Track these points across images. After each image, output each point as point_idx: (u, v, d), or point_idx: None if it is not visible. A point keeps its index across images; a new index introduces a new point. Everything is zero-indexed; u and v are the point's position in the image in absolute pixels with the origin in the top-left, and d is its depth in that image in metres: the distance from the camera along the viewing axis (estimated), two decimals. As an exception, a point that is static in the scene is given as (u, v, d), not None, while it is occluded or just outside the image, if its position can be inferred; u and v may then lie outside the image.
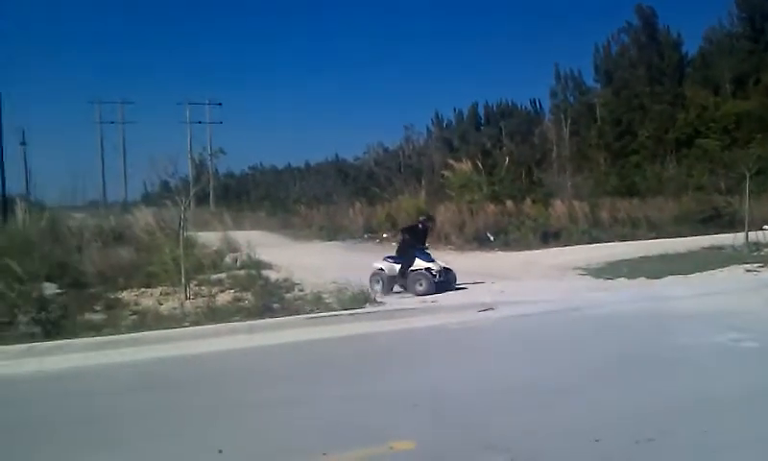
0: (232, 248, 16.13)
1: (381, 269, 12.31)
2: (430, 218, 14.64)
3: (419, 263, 12.04)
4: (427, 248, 12.72)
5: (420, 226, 13.19)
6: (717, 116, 37.86)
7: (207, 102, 51.45)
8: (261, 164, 64.77)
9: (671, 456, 4.20)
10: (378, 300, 10.55)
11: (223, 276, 12.45)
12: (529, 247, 19.50)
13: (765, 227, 17.93)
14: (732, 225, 19.51)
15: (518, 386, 5.99)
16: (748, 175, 16.51)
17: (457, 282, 12.31)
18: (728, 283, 11.64)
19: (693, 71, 46.03)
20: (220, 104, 52.19)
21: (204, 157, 47.79)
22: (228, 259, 14.46)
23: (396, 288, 12.03)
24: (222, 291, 11.03)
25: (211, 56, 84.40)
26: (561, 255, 16.87)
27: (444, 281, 12.00)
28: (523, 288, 11.86)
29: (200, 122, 51.28)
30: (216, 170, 49.97)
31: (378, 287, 11.89)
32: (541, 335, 8.46)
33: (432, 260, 12.19)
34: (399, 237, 13.57)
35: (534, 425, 4.84)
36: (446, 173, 28.48)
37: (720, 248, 16.26)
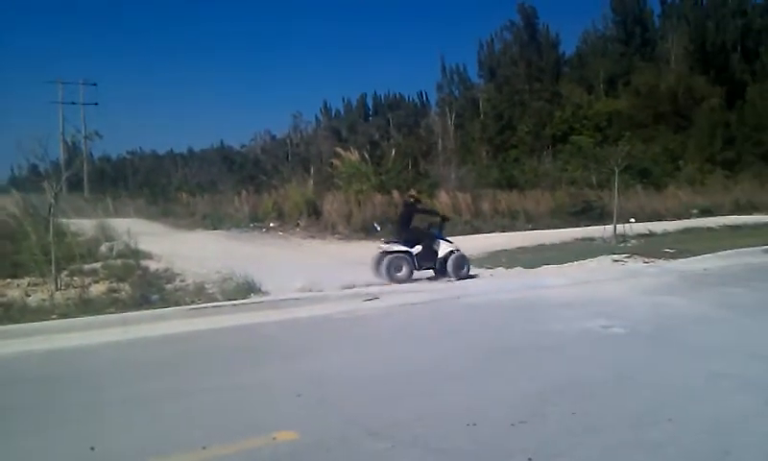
0: (109, 236, 15.39)
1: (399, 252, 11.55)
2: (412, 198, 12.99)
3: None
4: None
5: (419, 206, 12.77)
6: (590, 114, 40.16)
7: (81, 81, 48.71)
8: (141, 149, 62.44)
9: (541, 437, 4.39)
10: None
11: (98, 266, 11.84)
12: (414, 237, 19.84)
13: (632, 220, 19.18)
14: (602, 217, 20.71)
15: (402, 374, 6.08)
16: (617, 170, 17.56)
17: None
18: (598, 273, 12.34)
19: (570, 70, 48.59)
20: (95, 84, 49.67)
21: (77, 140, 45.29)
22: (103, 249, 13.78)
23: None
24: (96, 282, 10.49)
25: (85, 33, 79.90)
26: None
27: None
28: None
29: (73, 103, 48.44)
30: (91, 154, 47.58)
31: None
32: (424, 323, 8.64)
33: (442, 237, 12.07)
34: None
35: (416, 412, 4.93)
36: (336, 162, 28.47)
37: (591, 239, 17.22)
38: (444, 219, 13.18)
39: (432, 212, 13.82)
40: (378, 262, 11.46)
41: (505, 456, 4.12)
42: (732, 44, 43.37)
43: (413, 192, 14.08)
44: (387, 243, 11.82)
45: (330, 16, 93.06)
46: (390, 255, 11.42)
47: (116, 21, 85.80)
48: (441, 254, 11.84)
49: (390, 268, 11.29)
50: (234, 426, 4.71)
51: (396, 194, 24.16)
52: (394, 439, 4.40)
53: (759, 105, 37.32)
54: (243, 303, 9.24)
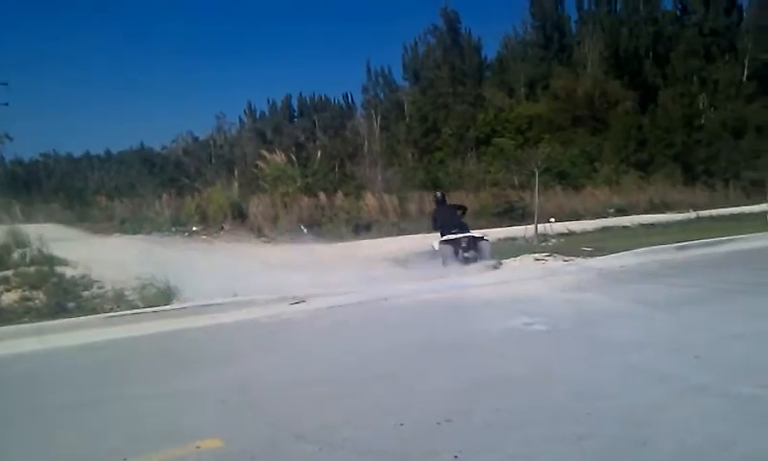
0: (21, 243, 14.67)
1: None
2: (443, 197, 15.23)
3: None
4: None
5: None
6: (512, 117, 41.07)
7: (-10, 80, 46.23)
8: (55, 151, 59.65)
9: (467, 435, 4.46)
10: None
11: (9, 274, 11.27)
12: (342, 239, 19.82)
13: (552, 219, 19.74)
14: (524, 218, 21.25)
15: (329, 377, 6.05)
16: (537, 172, 18.06)
17: None
18: (520, 272, 12.63)
19: (492, 74, 49.59)
20: (6, 83, 47.12)
21: (-15, 143, 43.05)
22: (15, 255, 13.12)
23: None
24: (8, 290, 9.99)
25: (-5, 30, 76.18)
26: (372, 248, 17.33)
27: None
28: (339, 279, 11.98)
29: (-20, 102, 45.92)
30: (1, 157, 45.33)
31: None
32: (351, 325, 8.64)
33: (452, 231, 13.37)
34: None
35: (343, 414, 4.92)
36: (261, 164, 28.13)
37: (513, 239, 17.62)
38: (465, 209, 15.06)
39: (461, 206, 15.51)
40: (450, 252, 12.96)
41: (432, 454, 4.16)
42: (644, 50, 45.23)
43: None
44: (447, 235, 13.30)
45: (254, 17, 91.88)
46: (459, 244, 13.00)
47: (28, 18, 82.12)
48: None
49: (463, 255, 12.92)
50: (157, 436, 4.59)
51: (322, 196, 24.10)
52: (321, 442, 4.38)
53: (670, 108, 39.07)
54: (164, 310, 9.00)
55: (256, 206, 22.92)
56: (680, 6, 48.56)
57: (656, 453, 4.15)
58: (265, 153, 28.91)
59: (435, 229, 14.06)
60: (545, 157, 19.31)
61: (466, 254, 12.97)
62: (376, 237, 20.18)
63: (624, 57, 44.19)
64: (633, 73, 43.78)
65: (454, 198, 26.39)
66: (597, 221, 23.25)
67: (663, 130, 37.95)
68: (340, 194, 24.80)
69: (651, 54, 45.41)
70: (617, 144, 37.31)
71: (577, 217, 24.53)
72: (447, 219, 13.86)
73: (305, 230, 20.91)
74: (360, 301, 10.04)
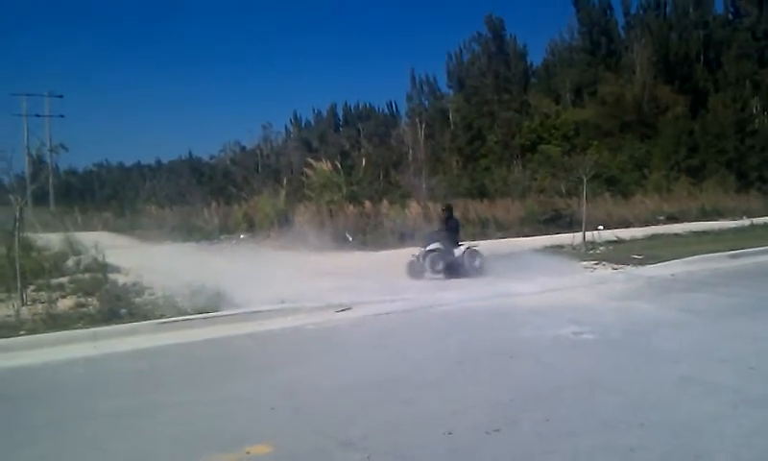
0: (76, 250, 15.13)
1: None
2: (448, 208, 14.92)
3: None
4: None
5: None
6: (558, 124, 40.66)
7: (46, 93, 47.79)
8: (107, 161, 61.50)
9: (516, 445, 4.42)
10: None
11: (65, 280, 11.63)
12: (386, 247, 19.85)
13: (600, 227, 19.42)
14: (571, 225, 20.93)
15: (376, 383, 6.06)
16: (585, 179, 17.79)
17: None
18: (567, 280, 12.44)
19: (538, 81, 49.19)
20: (61, 96, 48.68)
21: (42, 153, 44.46)
22: (70, 263, 13.55)
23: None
24: (63, 296, 10.31)
25: (50, 46, 78.70)
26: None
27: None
28: (385, 287, 11.99)
29: (38, 115, 47.49)
30: (57, 167, 46.81)
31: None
32: (397, 333, 8.62)
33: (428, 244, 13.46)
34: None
35: (390, 422, 4.93)
36: (309, 172, 28.42)
37: (561, 247, 17.37)
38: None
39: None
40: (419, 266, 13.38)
41: (480, 464, 4.13)
42: (695, 54, 44.31)
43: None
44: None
45: (300, 28, 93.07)
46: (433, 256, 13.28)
47: (82, 33, 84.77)
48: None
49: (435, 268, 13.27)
50: (207, 441, 4.66)
51: (367, 204, 24.20)
52: (368, 449, 4.39)
53: (722, 113, 38.12)
54: (214, 316, 9.12)
55: (302, 215, 23.13)
56: (732, 9, 47.52)
57: (712, 467, 4.04)
58: (312, 161, 29.17)
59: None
60: (593, 164, 18.97)
61: (437, 268, 13.17)
62: (421, 246, 20.12)
63: (674, 61, 43.33)
64: (683, 78, 42.91)
65: (500, 205, 26.33)
66: (647, 229, 22.76)
67: (715, 135, 37.05)
68: (385, 202, 24.86)
69: (702, 58, 44.45)
70: (667, 150, 36.58)
71: (626, 224, 24.09)
72: (438, 232, 14.05)
73: (350, 239, 21.00)
74: (406, 308, 10.02)
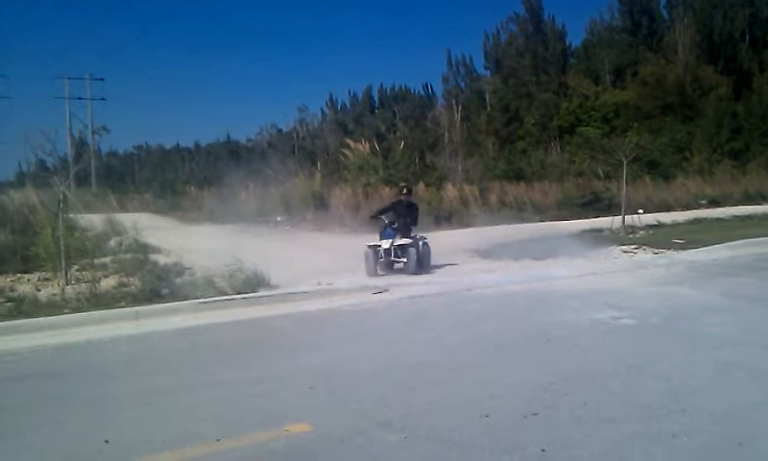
0: (117, 231, 15.44)
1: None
2: (407, 189, 13.22)
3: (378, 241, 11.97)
4: (393, 224, 12.18)
5: (404, 200, 12.65)
6: (597, 105, 39.99)
7: (88, 77, 48.78)
8: (147, 144, 62.40)
9: (554, 429, 4.40)
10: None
11: (107, 260, 11.89)
12: (422, 229, 19.82)
13: (640, 211, 19.11)
14: (609, 209, 20.66)
15: (413, 365, 6.09)
16: (625, 162, 17.51)
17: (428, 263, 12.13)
18: (606, 264, 12.30)
19: (576, 62, 48.34)
20: (102, 79, 49.86)
21: (84, 136, 45.48)
22: (112, 243, 13.84)
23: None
24: (106, 276, 10.55)
25: (93, 29, 79.91)
26: (453, 238, 17.27)
27: (394, 261, 11.81)
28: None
29: (80, 98, 48.55)
30: (98, 149, 47.76)
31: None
32: (434, 315, 8.63)
33: (389, 236, 11.94)
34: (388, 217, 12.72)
35: (427, 403, 4.94)
36: (347, 152, 28.51)
37: (600, 231, 17.16)
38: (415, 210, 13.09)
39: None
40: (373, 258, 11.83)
41: (519, 448, 4.11)
42: (739, 34, 43.04)
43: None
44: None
45: (335, 8, 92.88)
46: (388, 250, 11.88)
47: (122, 16, 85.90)
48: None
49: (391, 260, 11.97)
50: (247, 419, 4.73)
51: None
52: (406, 430, 4.41)
53: (766, 95, 37.05)
54: (252, 297, 9.27)
55: (338, 197, 23.23)
56: (780, -13, 45.87)
57: (753, 454, 3.98)
58: (350, 142, 29.22)
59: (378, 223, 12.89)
60: (633, 147, 18.63)
61: (393, 259, 11.84)
62: (458, 228, 20.09)
63: (718, 41, 42.15)
64: (727, 58, 41.77)
65: (537, 188, 26.05)
66: (688, 212, 22.38)
67: (759, 117, 36.04)
68: (421, 185, 24.81)
69: (747, 38, 43.11)
70: (710, 132, 35.73)
71: (667, 208, 23.71)
72: (397, 218, 12.37)
73: (387, 221, 21.02)
74: (442, 291, 10.03)
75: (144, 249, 12.72)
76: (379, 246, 11.82)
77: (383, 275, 11.48)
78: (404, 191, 12.99)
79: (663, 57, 42.25)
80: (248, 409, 4.97)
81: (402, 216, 12.30)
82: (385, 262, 11.78)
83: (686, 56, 40.86)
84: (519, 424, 4.50)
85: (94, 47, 77.47)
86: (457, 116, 41.47)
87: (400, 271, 11.73)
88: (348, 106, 59.28)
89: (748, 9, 43.45)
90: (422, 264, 11.92)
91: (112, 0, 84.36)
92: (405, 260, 11.71)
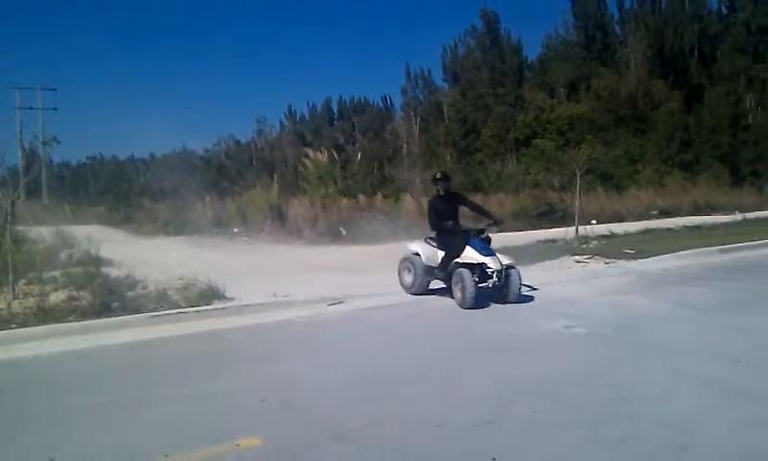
0: (68, 244, 15.08)
1: (416, 254, 9.97)
2: (445, 177, 10.55)
3: (469, 255, 9.25)
4: (482, 233, 9.68)
5: (441, 192, 10.08)
6: (552, 118, 40.61)
7: (40, 87, 47.71)
8: (101, 155, 61.14)
9: (505, 437, 4.44)
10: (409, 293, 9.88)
11: (57, 274, 11.58)
12: (380, 241, 19.83)
13: (593, 221, 19.43)
14: (564, 219, 20.94)
15: (367, 377, 6.08)
16: (578, 173, 17.80)
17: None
18: (560, 274, 12.48)
19: (532, 75, 49.07)
20: (54, 89, 48.69)
21: (35, 147, 44.40)
22: (63, 256, 13.50)
23: (437, 283, 9.81)
24: (55, 290, 10.26)
25: (44, 39, 78.13)
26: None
27: (502, 288, 9.14)
28: (377, 281, 11.99)
29: (31, 108, 47.42)
30: (50, 160, 46.69)
31: (409, 279, 10.05)
32: (389, 327, 8.63)
33: (491, 253, 9.26)
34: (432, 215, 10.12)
35: (381, 415, 4.94)
36: (306, 161, 28.40)
37: (554, 241, 17.37)
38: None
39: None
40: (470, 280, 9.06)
41: (471, 457, 4.15)
42: (689, 49, 44.30)
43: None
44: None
45: (294, 21, 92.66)
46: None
47: (76, 26, 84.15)
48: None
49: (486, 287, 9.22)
50: (197, 434, 4.66)
51: (362, 198, 24.21)
52: (359, 443, 4.40)
53: (716, 108, 38.14)
54: (206, 310, 9.13)
55: (296, 209, 23.11)
56: (726, 3, 47.49)
57: (696, 458, 4.07)
58: (309, 152, 29.15)
59: (435, 228, 10.13)
60: (587, 159, 18.96)
61: (486, 285, 9.13)
62: (415, 239, 20.11)
63: (669, 56, 43.29)
64: (677, 72, 42.91)
65: (494, 199, 26.29)
66: (640, 223, 22.82)
67: (709, 130, 37.07)
68: (379, 196, 24.86)
69: (696, 53, 44.41)
70: (661, 145, 36.61)
71: (619, 219, 24.13)
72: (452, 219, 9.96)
73: (344, 232, 21.00)
74: (398, 302, 10.02)
75: (95, 262, 12.42)
76: (475, 263, 9.13)
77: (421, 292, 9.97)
78: (438, 177, 10.36)
79: (617, 71, 43.17)
80: (199, 424, 4.90)
81: (453, 217, 9.94)
82: (480, 286, 8.99)
83: (639, 70, 41.84)
84: (472, 433, 4.53)
85: (46, 57, 75.69)
86: (415, 128, 41.69)
87: (487, 296, 9.18)
88: (308, 117, 59.11)
89: (697, 24, 44.77)
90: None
91: (66, 8, 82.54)
92: (495, 283, 9.08)
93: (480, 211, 10.52)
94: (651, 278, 11.81)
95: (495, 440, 4.37)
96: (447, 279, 9.60)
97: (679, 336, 7.39)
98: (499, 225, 10.41)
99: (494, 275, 9.09)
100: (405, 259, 10.32)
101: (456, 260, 9.37)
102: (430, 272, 9.90)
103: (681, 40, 44.03)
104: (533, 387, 5.55)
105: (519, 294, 9.34)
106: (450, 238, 9.64)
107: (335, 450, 4.33)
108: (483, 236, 9.63)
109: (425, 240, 10.29)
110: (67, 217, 26.14)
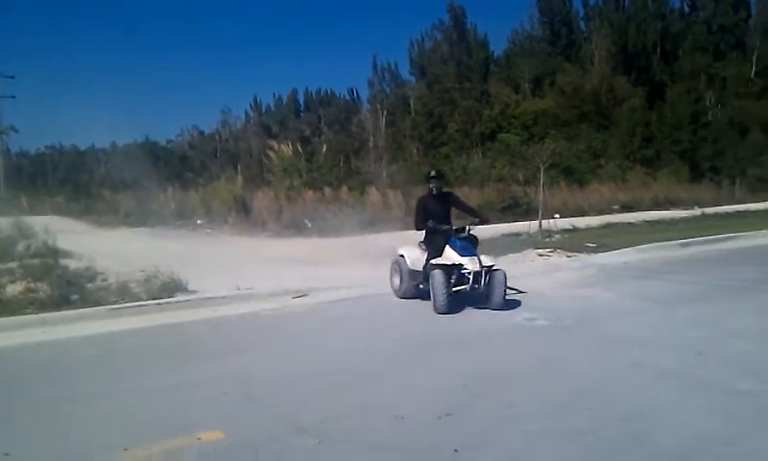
0: (26, 235, 14.74)
1: (402, 256, 9.50)
2: (439, 175, 9.99)
3: (447, 255, 8.68)
4: (464, 231, 9.00)
5: (434, 190, 9.50)
6: (517, 113, 40.99)
7: (-4, 74, 46.37)
8: (60, 144, 59.75)
9: (467, 429, 4.47)
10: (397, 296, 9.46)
11: (14, 265, 11.31)
12: (345, 234, 19.80)
13: (556, 215, 19.69)
14: (528, 213, 21.17)
15: (331, 369, 6.07)
16: (542, 168, 18.01)
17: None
18: (523, 267, 12.60)
19: (498, 70, 49.43)
20: (12, 77, 47.31)
21: (-9, 136, 43.29)
22: (20, 247, 13.19)
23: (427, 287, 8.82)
24: (12, 282, 10.01)
25: (2, 26, 75.95)
26: (374, 242, 17.30)
27: (482, 289, 8.46)
28: (343, 273, 11.98)
29: (-12, 95, 46.06)
30: (7, 149, 45.57)
31: (397, 282, 9.59)
32: (353, 320, 8.62)
33: (470, 254, 8.59)
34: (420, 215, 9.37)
35: (344, 407, 4.94)
36: (271, 154, 28.21)
37: (517, 235, 17.53)
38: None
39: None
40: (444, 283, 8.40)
41: (432, 449, 4.16)
42: (652, 46, 45.08)
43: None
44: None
45: (261, 12, 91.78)
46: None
47: (34, 13, 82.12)
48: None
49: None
50: (158, 427, 4.60)
51: (327, 190, 24.14)
52: (322, 435, 4.39)
53: (677, 105, 38.90)
54: (168, 302, 9.02)
55: (260, 201, 22.96)
56: (688, 2, 48.47)
57: (655, 448, 4.15)
58: (274, 144, 28.94)
59: (419, 228, 9.42)
60: (550, 153, 19.20)
61: (464, 288, 8.51)
62: (380, 232, 20.15)
63: (632, 53, 44.02)
64: (640, 69, 43.66)
65: (459, 193, 26.07)
66: (602, 217, 23.15)
67: (670, 126, 37.83)
68: (345, 188, 24.82)
69: (659, 50, 45.22)
70: (623, 140, 37.25)
71: (582, 213, 24.43)
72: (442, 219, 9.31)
73: (309, 225, 20.92)
74: (362, 295, 10.02)
75: (54, 253, 12.17)
76: (450, 264, 8.54)
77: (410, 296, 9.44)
78: (432, 175, 9.76)
79: (581, 67, 43.74)
80: (159, 417, 4.84)
81: (444, 218, 9.34)
82: (455, 290, 8.46)
83: (602, 66, 42.43)
84: (434, 424, 4.55)
85: (4, 44, 73.66)
86: (382, 121, 41.68)
87: (465, 300, 8.67)
88: (273, 109, 58.66)
89: (660, 22, 45.56)
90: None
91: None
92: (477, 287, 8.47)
93: (469, 211, 9.94)
94: (612, 271, 11.99)
95: (457, 432, 4.40)
96: (427, 282, 8.89)
97: (639, 329, 7.51)
98: (485, 223, 9.83)
99: (472, 277, 8.42)
100: (394, 262, 9.83)
101: (431, 262, 8.77)
102: (416, 275, 9.29)
103: (644, 38, 44.79)
104: (496, 379, 5.60)
105: (503, 300, 8.49)
106: (433, 238, 9.10)
107: (298, 443, 4.31)
108: (465, 235, 8.96)
109: (419, 244, 9.51)
110: (25, 207, 25.57)
